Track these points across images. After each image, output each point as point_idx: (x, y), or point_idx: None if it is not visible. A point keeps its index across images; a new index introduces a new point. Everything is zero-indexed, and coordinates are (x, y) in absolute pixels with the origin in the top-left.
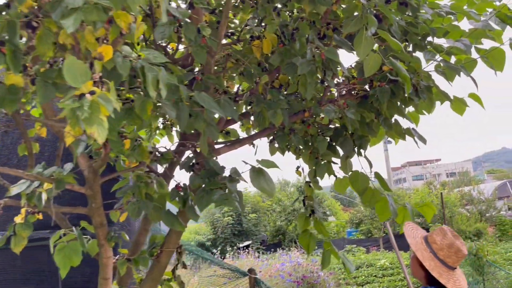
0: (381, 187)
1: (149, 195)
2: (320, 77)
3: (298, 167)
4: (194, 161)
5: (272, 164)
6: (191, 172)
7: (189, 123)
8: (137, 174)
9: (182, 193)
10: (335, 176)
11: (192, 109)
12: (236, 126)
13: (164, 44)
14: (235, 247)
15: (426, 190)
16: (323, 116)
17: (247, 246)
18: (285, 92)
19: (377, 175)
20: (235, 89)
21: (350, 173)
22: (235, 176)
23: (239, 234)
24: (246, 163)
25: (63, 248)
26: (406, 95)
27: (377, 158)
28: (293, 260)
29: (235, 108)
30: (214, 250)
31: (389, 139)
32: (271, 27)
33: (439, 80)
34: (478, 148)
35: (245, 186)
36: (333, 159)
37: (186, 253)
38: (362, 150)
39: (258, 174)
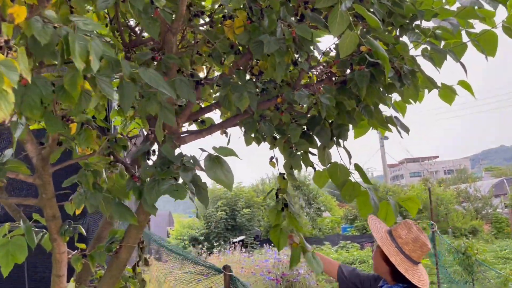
0: (362, 180)
1: (98, 185)
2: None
3: (272, 158)
4: (150, 149)
5: (230, 152)
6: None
7: (141, 105)
8: (84, 162)
9: (138, 184)
10: (314, 168)
11: (145, 90)
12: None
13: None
14: (228, 242)
15: (421, 186)
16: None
17: (241, 241)
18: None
19: (356, 166)
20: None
21: (329, 165)
22: (189, 165)
23: (232, 229)
24: (204, 151)
25: (7, 244)
26: (387, 79)
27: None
28: (278, 257)
29: (194, 90)
30: (199, 246)
31: (386, 135)
32: (238, 2)
33: (427, 67)
34: (476, 145)
35: (239, 181)
36: (311, 149)
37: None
38: (341, 140)
39: (214, 163)
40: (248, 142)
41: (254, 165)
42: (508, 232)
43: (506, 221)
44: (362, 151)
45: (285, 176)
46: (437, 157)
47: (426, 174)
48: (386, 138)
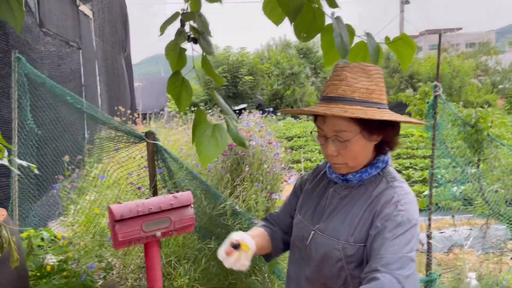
0: (328, 4)
1: None
2: None
3: None
4: None
5: None
6: None
7: None
8: None
9: None
10: None
11: None
12: None
13: None
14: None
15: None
16: None
17: (243, 110)
18: None
19: None
20: None
21: None
22: None
23: (234, 97)
24: None
25: None
26: None
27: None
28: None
29: None
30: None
31: None
32: None
33: None
34: (504, 18)
35: (242, 46)
36: None
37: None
38: None
39: None
40: None
41: (260, 29)
42: None
43: None
44: (379, 18)
45: None
46: (461, 29)
47: (447, 46)
48: (407, 2)
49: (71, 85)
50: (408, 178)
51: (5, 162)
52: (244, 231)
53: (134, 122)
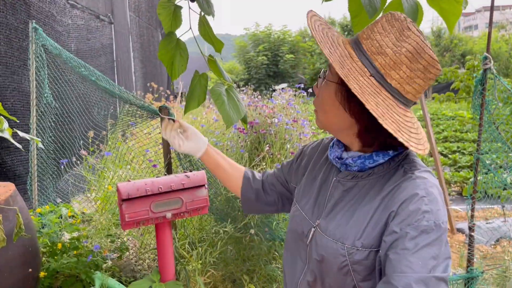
0: None
1: None
2: None
3: None
4: None
5: None
6: None
7: None
8: None
9: None
10: None
11: None
12: None
13: None
14: (270, 89)
15: (495, 35)
16: None
17: (283, 89)
18: None
19: None
20: None
21: None
22: None
23: (274, 76)
24: None
25: None
26: None
27: None
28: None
29: None
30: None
31: None
32: None
33: None
34: None
35: (284, 24)
36: None
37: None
38: None
39: None
40: None
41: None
42: None
43: None
44: None
45: None
46: None
47: (505, 23)
48: None
49: (102, 60)
50: (455, 163)
51: (6, 135)
52: (262, 215)
53: (168, 99)
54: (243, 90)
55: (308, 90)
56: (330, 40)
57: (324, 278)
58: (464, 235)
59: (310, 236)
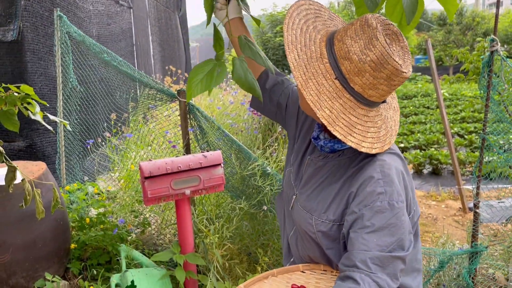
0: None
1: None
2: None
3: None
4: None
5: None
6: None
7: None
8: None
9: None
10: None
11: None
12: None
13: None
14: (287, 70)
15: None
16: None
17: None
18: None
19: None
20: None
21: None
22: None
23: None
24: None
25: None
26: None
27: None
28: None
29: None
30: None
31: None
32: None
33: None
34: None
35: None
36: None
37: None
38: None
39: None
40: None
41: None
42: None
43: None
44: None
45: None
46: None
47: None
48: None
49: (121, 44)
50: (470, 144)
51: (38, 118)
52: (275, 192)
53: (186, 82)
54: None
55: None
56: (305, 38)
57: (302, 239)
58: (469, 210)
59: (292, 203)
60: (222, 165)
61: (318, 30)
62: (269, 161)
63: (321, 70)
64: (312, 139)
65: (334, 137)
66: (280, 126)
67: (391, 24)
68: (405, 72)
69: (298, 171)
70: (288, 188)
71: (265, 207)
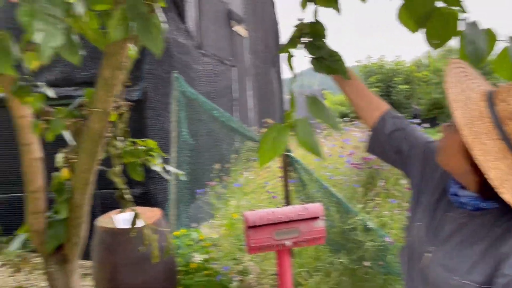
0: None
1: None
2: None
3: None
4: None
5: None
6: None
7: None
8: None
9: None
10: None
11: None
12: None
13: None
14: None
15: None
16: None
17: None
18: None
19: None
20: None
21: None
22: None
23: None
24: None
25: None
26: None
27: None
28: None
29: None
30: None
31: None
32: None
33: None
34: None
35: (397, 55)
36: None
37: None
38: None
39: None
40: None
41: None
42: None
43: None
44: None
45: None
46: None
47: None
48: None
49: (224, 99)
50: None
51: (157, 168)
52: (377, 248)
53: None
54: (355, 123)
55: (423, 124)
56: (464, 97)
57: None
58: None
59: (424, 260)
60: (322, 218)
61: (471, 88)
62: (370, 216)
63: (483, 130)
64: (450, 196)
65: (481, 195)
66: (382, 180)
67: None
68: None
69: (431, 227)
70: (418, 244)
71: (366, 263)
